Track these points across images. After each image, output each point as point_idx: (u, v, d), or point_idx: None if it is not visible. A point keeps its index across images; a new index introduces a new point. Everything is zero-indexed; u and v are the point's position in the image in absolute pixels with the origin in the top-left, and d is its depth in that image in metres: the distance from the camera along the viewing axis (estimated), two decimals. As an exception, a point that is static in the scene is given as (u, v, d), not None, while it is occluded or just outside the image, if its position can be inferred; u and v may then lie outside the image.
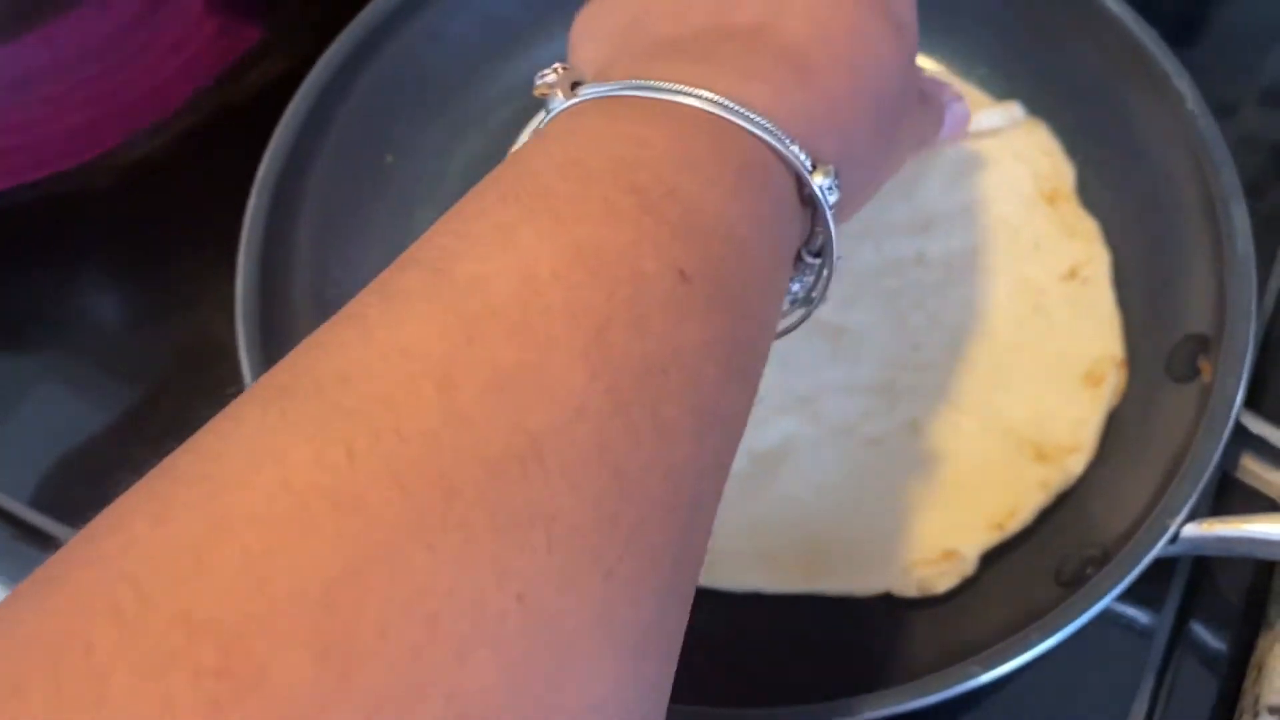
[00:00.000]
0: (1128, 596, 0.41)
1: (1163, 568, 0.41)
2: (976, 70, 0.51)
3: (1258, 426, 0.39)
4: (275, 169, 0.43)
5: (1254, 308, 0.40)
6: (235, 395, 0.21)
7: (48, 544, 0.45)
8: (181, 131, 0.48)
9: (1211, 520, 0.37)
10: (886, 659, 0.39)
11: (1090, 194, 0.48)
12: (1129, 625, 0.42)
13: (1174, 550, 0.38)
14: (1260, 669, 0.40)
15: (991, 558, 0.41)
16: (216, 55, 0.47)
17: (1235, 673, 0.41)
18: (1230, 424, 0.38)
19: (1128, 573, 0.36)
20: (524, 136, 0.51)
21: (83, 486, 0.46)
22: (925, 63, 0.52)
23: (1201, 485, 0.37)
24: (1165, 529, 0.37)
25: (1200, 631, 0.42)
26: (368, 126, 0.47)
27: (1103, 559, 0.38)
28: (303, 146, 0.44)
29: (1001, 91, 0.51)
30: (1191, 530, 0.37)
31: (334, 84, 0.46)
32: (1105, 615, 0.41)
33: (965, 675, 0.35)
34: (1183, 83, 0.44)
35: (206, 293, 0.45)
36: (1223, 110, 0.46)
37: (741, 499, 0.42)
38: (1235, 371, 0.39)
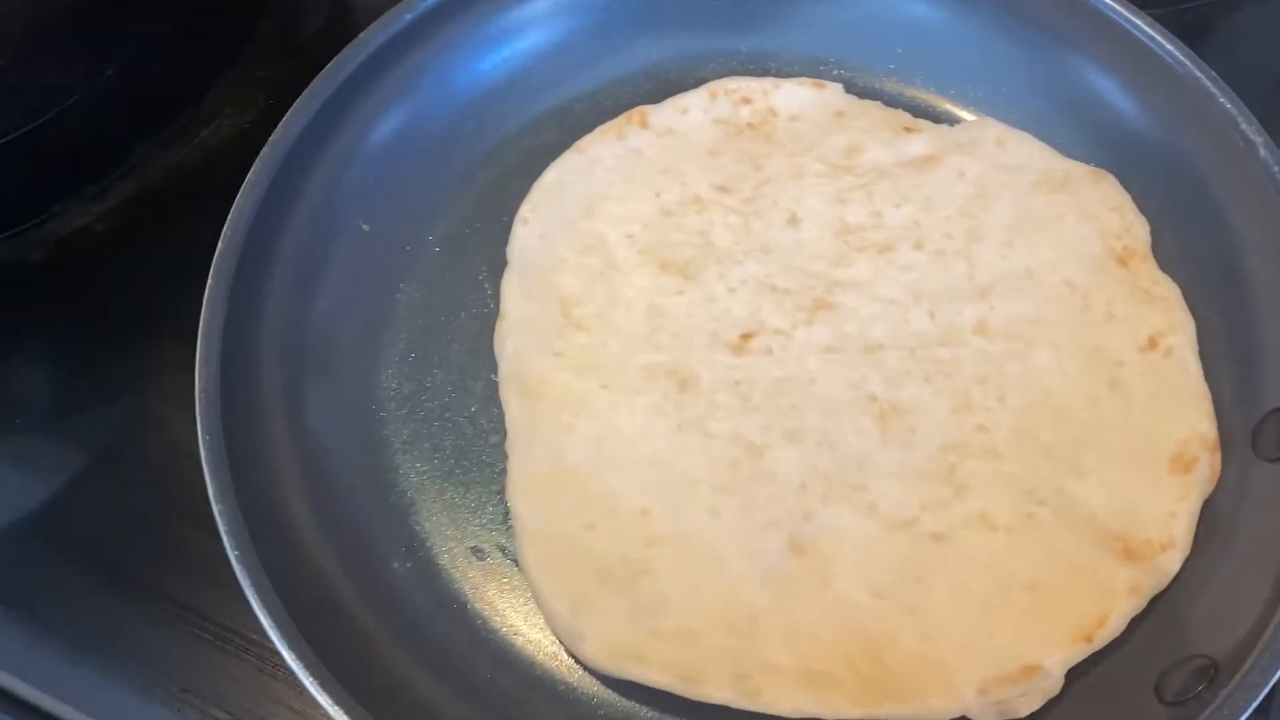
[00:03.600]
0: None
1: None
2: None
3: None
4: (236, 245, 0.38)
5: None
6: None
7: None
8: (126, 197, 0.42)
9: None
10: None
11: (1166, 253, 0.43)
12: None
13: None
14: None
15: (1077, 672, 0.36)
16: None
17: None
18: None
19: (1255, 694, 0.31)
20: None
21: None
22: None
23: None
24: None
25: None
26: (336, 192, 0.42)
27: (1212, 671, 0.33)
28: (266, 218, 0.39)
29: (1063, 143, 0.46)
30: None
31: (298, 147, 0.40)
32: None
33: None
34: (1251, 129, 0.40)
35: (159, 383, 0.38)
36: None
37: (785, 601, 0.37)
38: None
